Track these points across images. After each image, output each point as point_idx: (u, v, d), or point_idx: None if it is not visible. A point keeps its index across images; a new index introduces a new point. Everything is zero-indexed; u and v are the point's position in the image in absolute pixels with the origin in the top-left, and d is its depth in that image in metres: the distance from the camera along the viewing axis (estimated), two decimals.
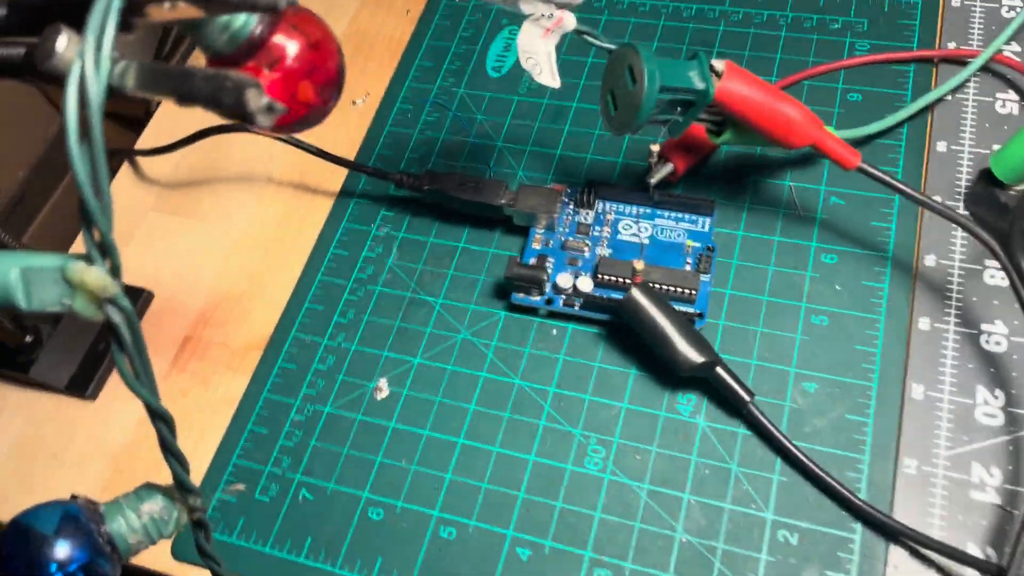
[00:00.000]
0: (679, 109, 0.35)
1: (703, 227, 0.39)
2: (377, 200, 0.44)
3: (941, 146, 0.40)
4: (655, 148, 0.38)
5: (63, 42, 0.19)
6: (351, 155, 0.46)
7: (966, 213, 0.38)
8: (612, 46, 0.36)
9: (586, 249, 0.39)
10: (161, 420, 0.24)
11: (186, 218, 0.46)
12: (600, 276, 0.37)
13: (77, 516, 0.24)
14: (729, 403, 0.35)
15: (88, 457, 0.40)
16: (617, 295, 0.37)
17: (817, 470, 0.33)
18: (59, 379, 0.40)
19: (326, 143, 0.46)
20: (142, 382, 0.23)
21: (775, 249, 0.39)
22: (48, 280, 0.21)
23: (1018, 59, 0.42)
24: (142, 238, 0.46)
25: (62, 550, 0.23)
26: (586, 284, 0.37)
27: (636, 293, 0.35)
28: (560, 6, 0.36)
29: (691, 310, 0.37)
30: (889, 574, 0.31)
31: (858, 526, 0.32)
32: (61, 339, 0.41)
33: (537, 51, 0.35)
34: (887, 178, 0.35)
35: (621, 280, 0.37)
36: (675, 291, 0.37)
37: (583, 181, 0.42)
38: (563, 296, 0.38)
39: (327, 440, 0.38)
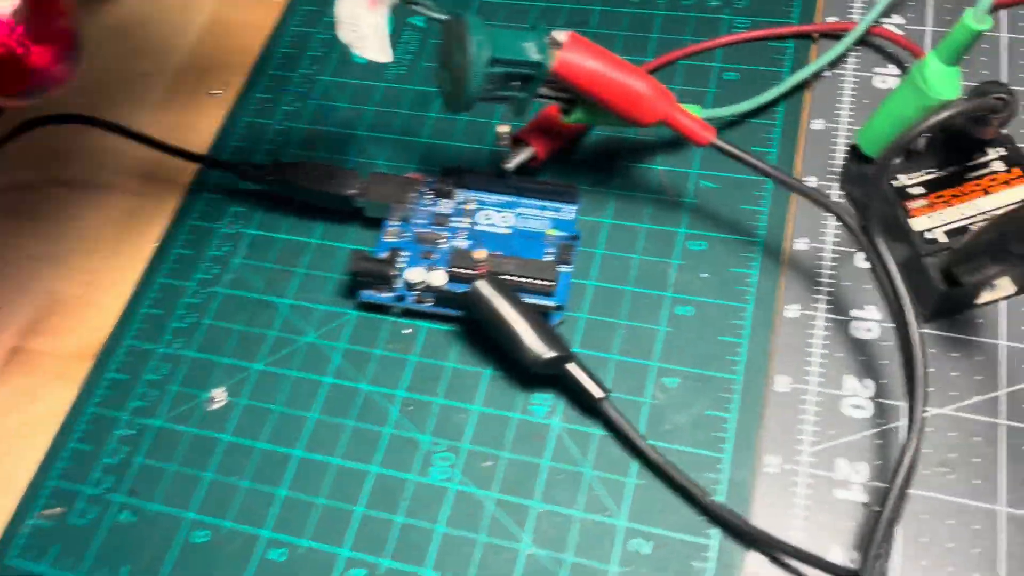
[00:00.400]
0: (518, 84, 0.32)
1: (567, 215, 0.37)
2: (228, 196, 0.41)
3: (817, 124, 0.38)
4: (503, 130, 0.35)
5: None
6: (205, 149, 0.43)
7: (842, 193, 0.36)
8: (443, 16, 0.33)
9: (442, 241, 0.36)
10: None
11: (17, 220, 0.43)
12: (454, 269, 0.35)
13: None
14: (584, 402, 0.32)
15: None
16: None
17: (672, 472, 0.30)
18: None
19: (179, 135, 0.43)
20: None
21: (642, 237, 0.36)
22: None
23: (897, 31, 0.40)
24: None
25: None
26: (439, 278, 0.35)
27: (481, 285, 0.32)
28: None
29: (549, 303, 0.34)
30: None
31: (715, 531, 0.30)
32: None
33: (362, 22, 0.32)
34: (740, 153, 0.32)
35: (472, 272, 0.34)
36: (531, 283, 0.34)
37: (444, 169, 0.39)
38: (415, 292, 0.35)
39: (155, 456, 0.34)
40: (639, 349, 0.34)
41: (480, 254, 0.34)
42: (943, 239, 0.31)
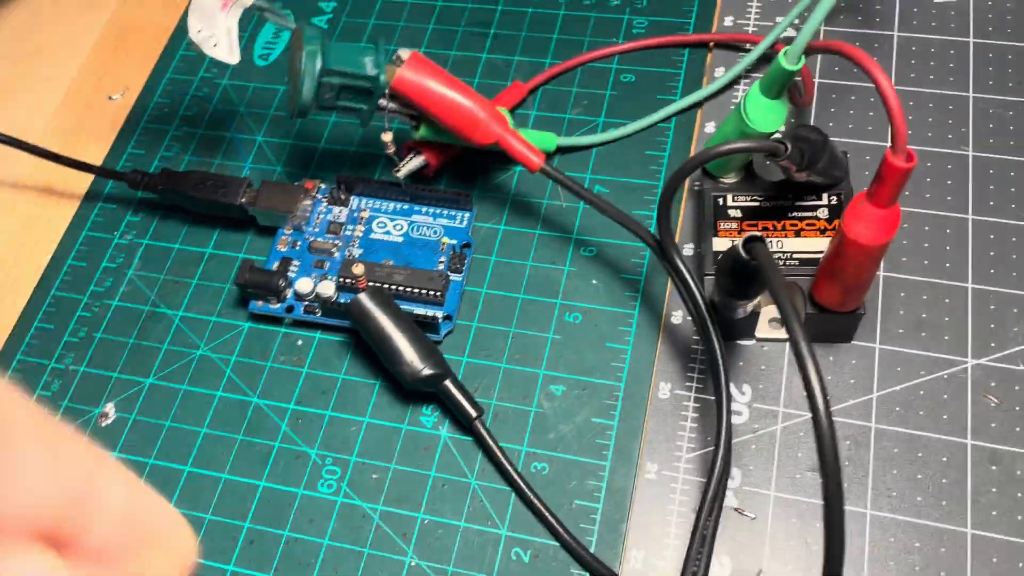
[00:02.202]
0: (361, 97, 0.33)
1: (461, 222, 0.37)
2: (123, 205, 0.40)
3: (710, 127, 0.38)
4: (386, 138, 0.35)
5: None
6: (104, 153, 0.42)
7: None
8: (293, 25, 0.34)
9: (335, 250, 0.36)
10: None
11: None
12: (343, 279, 0.35)
13: None
14: (461, 420, 0.32)
15: None
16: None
17: (535, 501, 0.30)
18: None
19: (78, 142, 0.43)
20: None
21: (535, 243, 0.37)
22: None
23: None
24: None
25: None
26: (328, 288, 0.35)
27: (362, 299, 0.32)
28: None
29: (438, 312, 0.34)
30: None
31: (593, 540, 0.30)
32: None
33: (215, 24, 0.33)
34: (565, 180, 0.33)
35: (365, 282, 0.34)
36: (421, 293, 0.34)
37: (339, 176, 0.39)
38: (305, 303, 0.35)
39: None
40: (528, 357, 0.34)
41: (358, 268, 0.34)
42: None
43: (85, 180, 0.41)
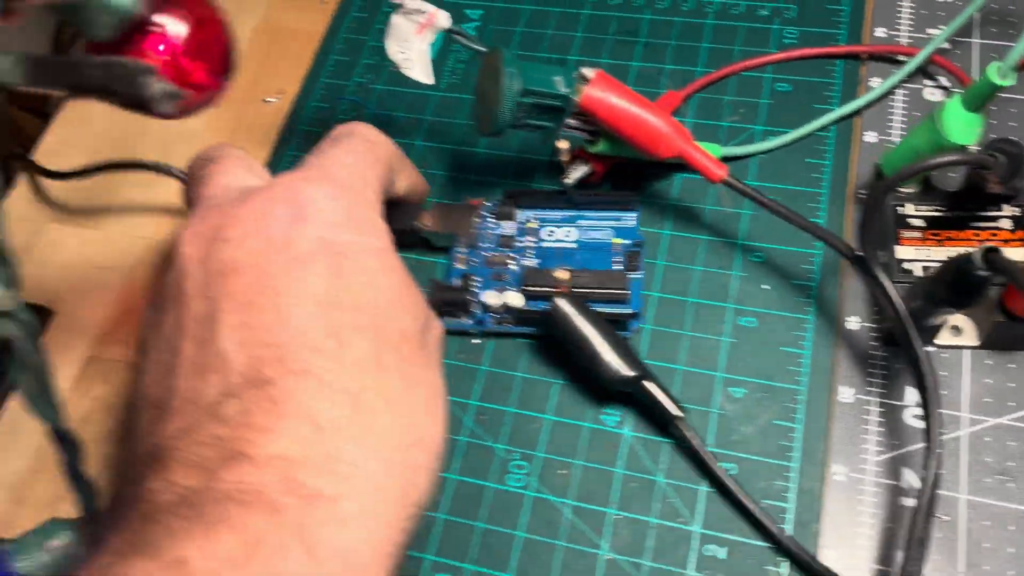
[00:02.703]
0: (548, 115, 0.34)
1: (629, 222, 0.38)
2: None
3: (870, 136, 0.39)
4: (563, 146, 0.36)
5: None
6: (264, 155, 0.44)
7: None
8: (482, 48, 0.36)
9: (511, 262, 0.37)
10: (66, 444, 0.22)
11: (89, 229, 0.44)
12: (528, 288, 0.36)
13: None
14: (658, 419, 0.33)
15: None
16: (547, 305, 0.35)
17: (745, 500, 0.31)
18: None
19: (238, 141, 0.44)
20: (44, 402, 0.21)
21: (702, 249, 0.38)
22: None
23: (946, 58, 0.40)
24: (41, 252, 0.43)
25: None
26: (516, 299, 0.36)
27: (561, 304, 0.33)
28: None
29: (625, 310, 0.35)
30: None
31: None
32: None
33: (410, 47, 0.34)
34: (750, 191, 0.34)
35: (551, 289, 0.35)
36: (607, 293, 0.35)
37: (503, 186, 0.40)
38: (493, 315, 0.36)
39: None
40: (704, 360, 0.35)
41: (564, 274, 0.35)
42: (919, 272, 0.33)
43: None
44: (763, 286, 0.36)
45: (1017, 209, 0.33)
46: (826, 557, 0.31)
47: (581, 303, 0.34)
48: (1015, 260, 0.26)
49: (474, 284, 0.37)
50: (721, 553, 0.31)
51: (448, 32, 0.36)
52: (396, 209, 0.37)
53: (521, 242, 0.38)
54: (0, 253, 0.19)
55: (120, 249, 0.42)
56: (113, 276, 0.42)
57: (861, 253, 0.31)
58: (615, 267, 0.36)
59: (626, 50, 0.44)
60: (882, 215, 0.34)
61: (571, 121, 0.36)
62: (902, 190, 0.35)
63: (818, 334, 0.35)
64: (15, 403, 0.39)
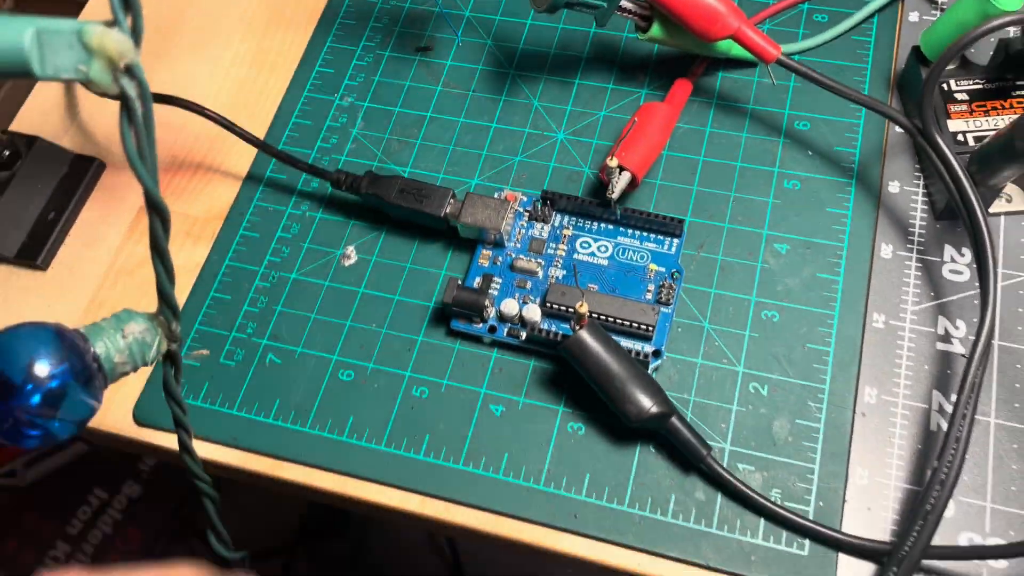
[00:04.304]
0: None
1: (669, 248, 0.35)
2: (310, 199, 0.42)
3: (914, 16, 0.40)
4: (612, 163, 0.34)
5: None
6: (312, 22, 0.44)
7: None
8: None
9: (538, 270, 0.35)
10: (157, 213, 0.23)
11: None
12: (549, 304, 0.34)
13: (62, 333, 0.23)
14: (685, 456, 0.32)
15: None
16: (566, 329, 0.34)
17: (792, 517, 0.30)
18: (8, 247, 0.39)
19: (289, 4, 0.45)
20: (146, 164, 0.22)
21: (748, 119, 0.39)
22: (64, 44, 0.20)
23: None
24: (90, 104, 0.44)
25: (53, 361, 0.22)
26: (534, 313, 0.33)
27: (583, 336, 0.31)
28: None
29: (647, 347, 0.33)
30: None
31: (806, 543, 0.30)
32: (7, 207, 0.39)
33: None
34: (804, 69, 0.35)
35: (573, 310, 0.33)
36: (630, 327, 0.33)
37: (542, 188, 0.38)
38: (508, 325, 0.34)
39: (293, 306, 0.37)
40: (750, 219, 0.36)
41: (583, 307, 0.31)
42: (972, 143, 0.34)
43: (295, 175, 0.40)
44: (808, 152, 0.37)
45: None
46: (868, 394, 0.32)
47: (603, 334, 0.32)
48: None
49: (494, 287, 0.35)
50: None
51: None
52: (425, 196, 0.36)
53: (552, 248, 0.36)
54: (133, 4, 0.20)
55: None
56: (165, 132, 0.42)
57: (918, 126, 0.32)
58: (647, 296, 0.34)
59: None
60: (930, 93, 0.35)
61: (624, 3, 0.36)
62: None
63: (859, 196, 0.36)
64: (69, 250, 0.40)
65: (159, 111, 0.38)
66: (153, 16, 0.46)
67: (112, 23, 0.20)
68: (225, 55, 0.44)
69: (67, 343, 0.24)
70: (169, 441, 0.34)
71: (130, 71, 0.20)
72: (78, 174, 0.41)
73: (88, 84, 0.20)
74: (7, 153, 0.39)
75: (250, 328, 0.36)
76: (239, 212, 0.39)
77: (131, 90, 0.21)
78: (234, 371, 0.35)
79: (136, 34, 0.20)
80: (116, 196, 0.41)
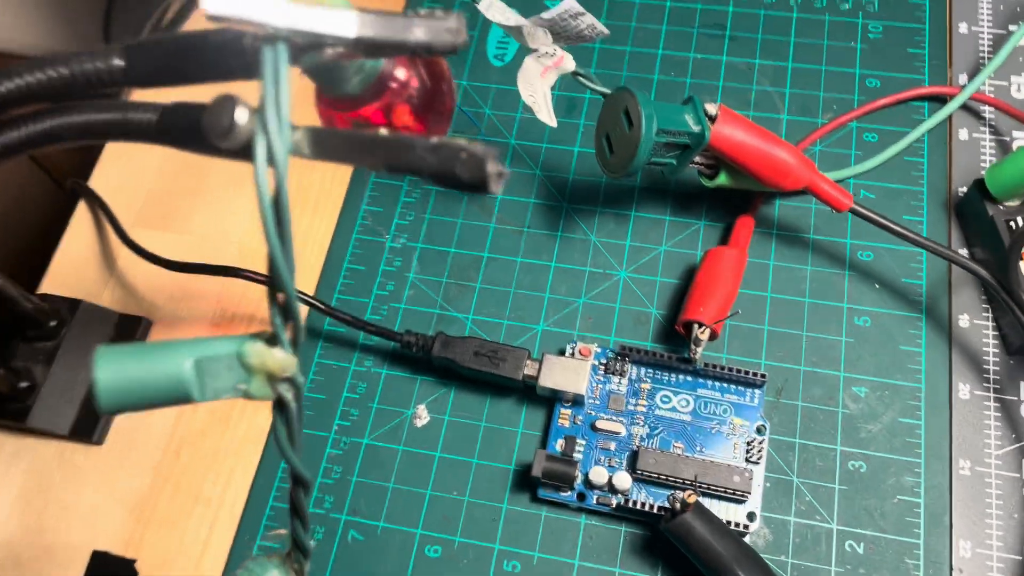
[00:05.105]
0: (674, 152, 0.34)
1: (752, 400, 0.35)
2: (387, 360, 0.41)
3: (963, 134, 0.40)
4: (701, 334, 0.34)
5: (243, 116, 0.17)
6: (343, 188, 0.43)
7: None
8: (607, 90, 0.35)
9: (621, 430, 0.35)
10: (302, 486, 0.22)
11: (174, 233, 0.42)
12: (640, 472, 0.33)
13: None
14: None
15: (101, 507, 0.37)
16: (658, 495, 0.33)
17: None
18: (61, 424, 0.37)
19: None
20: (296, 451, 0.21)
21: (811, 250, 0.39)
22: (223, 367, 0.19)
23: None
24: (126, 261, 0.42)
25: None
26: (624, 481, 0.33)
27: (690, 519, 0.31)
28: (579, 39, 0.34)
29: (741, 512, 0.33)
30: None
31: None
32: (58, 382, 0.37)
33: (536, 90, 0.34)
34: (878, 218, 0.35)
35: (664, 477, 0.33)
36: (725, 491, 0.33)
37: (610, 332, 0.38)
38: (597, 492, 0.34)
39: (370, 475, 0.36)
40: (825, 360, 0.36)
41: (691, 497, 0.31)
42: None
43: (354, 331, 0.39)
44: (875, 285, 0.37)
45: None
46: (962, 547, 0.32)
47: (708, 515, 0.31)
48: None
49: (578, 449, 0.35)
50: None
51: (574, 75, 0.35)
52: (503, 357, 0.35)
53: (632, 404, 0.35)
54: (291, 314, 0.19)
55: (208, 251, 0.42)
56: (205, 283, 0.41)
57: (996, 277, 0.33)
58: (734, 452, 0.34)
59: (714, 44, 0.44)
60: (993, 231, 0.35)
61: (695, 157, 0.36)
62: (1007, 204, 0.36)
63: (931, 332, 0.36)
64: (123, 423, 0.38)
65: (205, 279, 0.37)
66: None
67: (271, 338, 0.19)
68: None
69: None
70: None
71: (290, 381, 0.20)
72: (126, 335, 0.39)
73: (247, 397, 0.20)
74: (52, 324, 0.37)
75: (328, 502, 0.35)
76: (300, 372, 0.38)
77: (289, 395, 0.20)
78: (317, 552, 0.35)
79: (296, 344, 0.20)
80: None
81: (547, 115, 0.35)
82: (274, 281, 0.19)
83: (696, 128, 0.34)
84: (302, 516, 0.24)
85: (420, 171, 0.17)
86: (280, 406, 0.20)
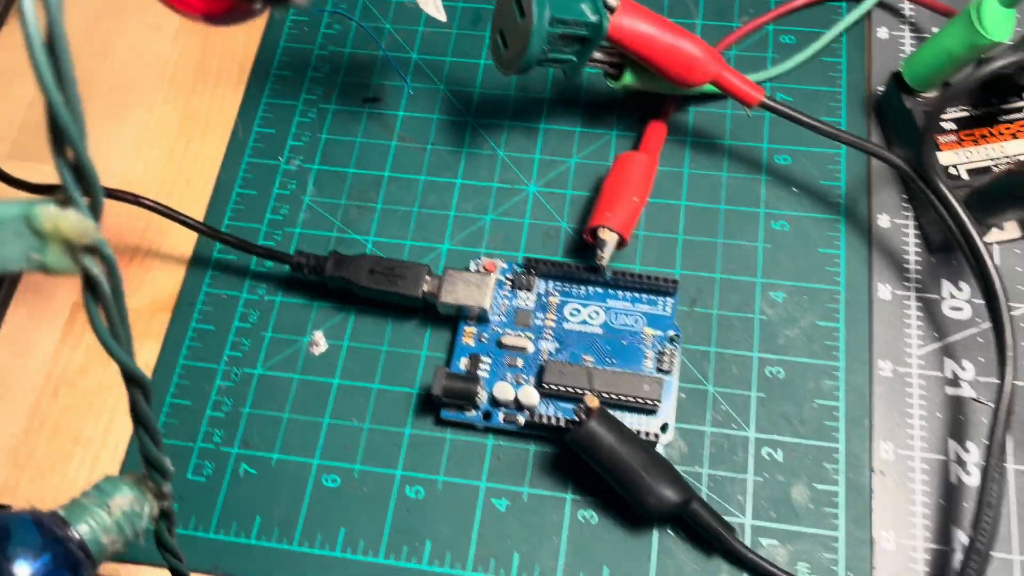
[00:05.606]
0: (573, 47, 0.32)
1: (664, 309, 0.33)
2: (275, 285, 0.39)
3: (882, 32, 0.39)
4: (604, 235, 0.32)
5: None
6: (244, 77, 0.40)
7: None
8: None
9: (528, 346, 0.33)
10: (137, 386, 0.20)
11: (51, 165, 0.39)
12: (547, 386, 0.31)
13: (40, 522, 0.20)
14: (705, 539, 0.30)
15: None
16: (567, 410, 0.31)
17: None
18: None
19: (215, 57, 0.41)
20: (121, 343, 0.19)
21: (727, 156, 0.37)
22: (9, 234, 0.16)
23: None
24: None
25: (31, 557, 0.19)
26: (531, 397, 0.31)
27: (594, 428, 0.29)
28: None
29: (653, 422, 0.31)
30: None
31: None
32: None
33: None
34: (791, 111, 0.33)
35: (573, 390, 0.31)
36: (634, 402, 0.31)
37: (519, 249, 0.35)
38: (503, 410, 0.32)
39: (263, 406, 0.33)
40: (742, 267, 0.34)
41: (593, 401, 0.30)
42: (965, 177, 0.33)
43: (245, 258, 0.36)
44: (792, 189, 0.36)
45: None
46: (883, 449, 0.31)
47: (614, 422, 0.29)
48: None
49: (483, 368, 0.33)
50: None
51: None
52: (401, 275, 0.33)
53: (540, 319, 0.33)
54: (85, 174, 0.16)
55: None
56: None
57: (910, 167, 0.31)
58: (646, 363, 0.32)
59: None
60: (910, 122, 0.34)
61: (595, 54, 0.33)
62: (924, 95, 0.34)
63: (850, 233, 0.35)
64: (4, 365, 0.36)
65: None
66: None
67: (64, 200, 0.17)
68: (149, 120, 0.40)
69: (46, 532, 0.20)
70: None
71: (94, 250, 0.17)
72: None
73: (45, 270, 0.17)
74: None
75: (217, 436, 0.33)
76: (188, 302, 0.35)
77: (96, 269, 0.17)
78: (205, 488, 0.32)
79: (96, 209, 0.17)
80: (43, 295, 0.36)
81: (435, 8, 0.32)
82: (57, 133, 0.16)
83: (593, 17, 0.31)
84: (147, 427, 0.22)
85: None
86: (89, 283, 0.17)
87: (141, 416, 0.21)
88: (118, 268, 0.18)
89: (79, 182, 0.17)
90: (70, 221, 0.17)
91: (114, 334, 0.18)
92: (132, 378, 0.20)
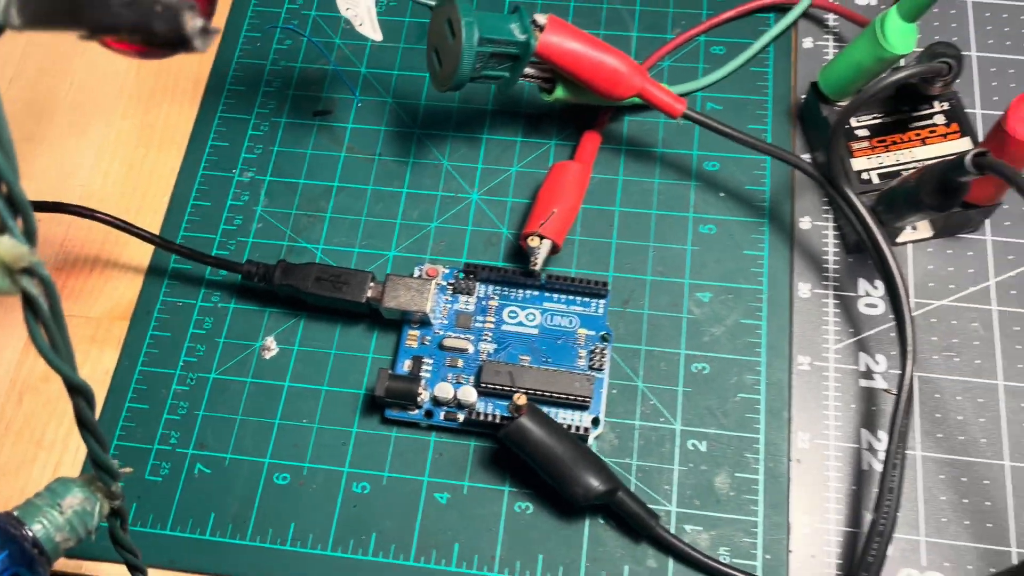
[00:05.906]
0: (504, 64, 0.34)
1: (597, 310, 0.35)
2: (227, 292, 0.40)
3: (807, 43, 0.41)
4: (533, 242, 0.34)
5: None
6: (199, 92, 0.42)
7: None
8: (431, 2, 0.35)
9: (468, 347, 0.34)
10: (80, 394, 0.22)
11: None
12: (484, 385, 0.33)
13: None
14: (633, 527, 0.32)
15: None
16: (503, 408, 0.33)
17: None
18: None
19: (171, 73, 0.42)
20: (61, 355, 0.20)
21: (659, 164, 0.39)
22: None
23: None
24: None
25: None
26: (469, 395, 0.33)
27: (524, 424, 0.31)
28: None
29: (585, 418, 0.33)
30: None
31: None
32: None
33: (358, 3, 0.33)
34: (711, 122, 0.35)
35: (509, 389, 0.33)
36: (567, 399, 0.33)
37: (462, 254, 0.37)
38: (444, 408, 0.34)
39: (217, 408, 0.35)
40: (671, 269, 0.36)
41: (521, 399, 0.31)
42: (876, 181, 0.35)
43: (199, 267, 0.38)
44: (720, 194, 0.38)
45: (946, 104, 0.36)
46: (800, 439, 0.33)
47: (543, 417, 0.31)
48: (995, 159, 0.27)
49: (425, 369, 0.34)
50: None
51: None
52: (343, 283, 0.34)
53: (480, 321, 0.35)
54: (17, 204, 0.18)
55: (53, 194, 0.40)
56: (50, 225, 0.39)
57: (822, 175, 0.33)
58: (579, 361, 0.34)
59: None
60: (824, 129, 0.36)
61: (528, 70, 0.35)
62: (839, 104, 0.36)
63: (774, 235, 0.37)
64: None
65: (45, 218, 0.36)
66: (23, 95, 0.43)
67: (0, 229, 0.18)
68: (108, 134, 0.41)
69: (1, 531, 0.22)
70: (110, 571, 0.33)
71: (30, 272, 0.19)
72: None
73: None
74: None
75: (173, 438, 0.35)
76: (145, 310, 0.37)
77: (34, 289, 0.19)
78: (162, 487, 0.34)
79: (30, 234, 0.19)
80: (6, 307, 0.38)
81: (371, 29, 0.34)
82: None
83: (521, 36, 0.33)
84: (92, 431, 0.23)
85: (119, 27, 0.17)
86: (28, 302, 0.19)
87: (86, 421, 0.23)
88: (55, 287, 0.19)
89: (13, 212, 0.18)
90: (5, 247, 0.18)
91: (54, 347, 0.20)
92: (74, 387, 0.21)
